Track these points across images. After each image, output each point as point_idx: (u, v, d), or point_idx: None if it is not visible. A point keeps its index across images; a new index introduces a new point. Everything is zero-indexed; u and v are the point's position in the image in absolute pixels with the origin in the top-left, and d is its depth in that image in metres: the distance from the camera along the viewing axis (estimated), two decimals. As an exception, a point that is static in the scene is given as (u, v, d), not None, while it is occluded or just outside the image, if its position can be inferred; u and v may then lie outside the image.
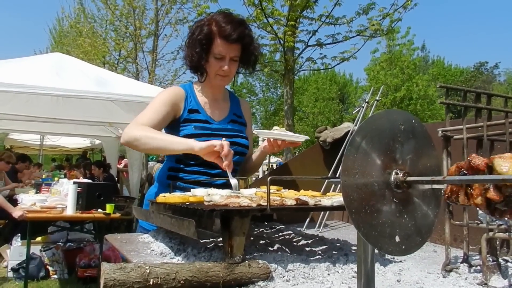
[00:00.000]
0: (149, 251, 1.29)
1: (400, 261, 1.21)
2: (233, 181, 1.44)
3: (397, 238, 0.75)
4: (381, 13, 7.78)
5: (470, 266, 1.16)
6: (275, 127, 1.66)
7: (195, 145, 1.49)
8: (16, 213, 4.27)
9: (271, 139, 1.70)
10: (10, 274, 4.82)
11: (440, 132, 1.17)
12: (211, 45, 1.68)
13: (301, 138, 1.64)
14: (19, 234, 5.08)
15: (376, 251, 1.08)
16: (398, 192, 0.78)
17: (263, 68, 8.41)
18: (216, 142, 1.43)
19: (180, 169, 1.75)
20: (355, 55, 8.11)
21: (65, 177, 7.04)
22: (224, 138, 1.49)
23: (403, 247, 0.76)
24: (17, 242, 5.07)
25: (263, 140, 1.81)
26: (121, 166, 10.03)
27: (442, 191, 0.82)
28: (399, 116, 0.80)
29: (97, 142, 11.56)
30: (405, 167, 0.78)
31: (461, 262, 1.18)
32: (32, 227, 4.23)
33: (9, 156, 6.66)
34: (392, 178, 0.76)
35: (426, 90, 22.55)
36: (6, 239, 5.73)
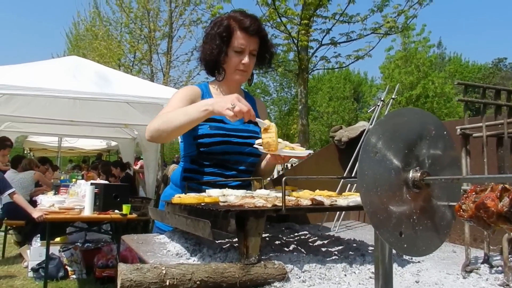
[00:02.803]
0: (165, 251, 1.29)
1: (419, 262, 1.19)
2: (267, 122, 1.42)
3: (402, 234, 0.74)
4: (396, 10, 7.68)
5: (491, 266, 1.13)
6: (279, 141, 1.51)
7: (209, 107, 1.45)
8: (36, 214, 4.35)
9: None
10: (31, 274, 4.92)
11: (458, 130, 1.14)
12: (231, 39, 1.68)
13: (303, 153, 1.51)
14: (39, 235, 5.18)
15: (394, 251, 1.07)
16: (414, 191, 0.77)
17: (277, 68, 8.39)
18: (229, 106, 1.39)
19: (195, 170, 1.74)
20: (369, 53, 8.03)
21: (82, 178, 7.15)
22: (235, 95, 1.44)
23: (405, 245, 0.75)
24: (36, 242, 5.17)
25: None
26: (137, 167, 10.14)
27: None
28: (432, 121, 0.80)
29: (113, 143, 11.72)
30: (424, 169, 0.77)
31: (482, 263, 1.15)
32: (51, 228, 4.31)
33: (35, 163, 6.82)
34: (411, 175, 0.75)
35: (442, 87, 22.18)
36: (26, 239, 5.85)
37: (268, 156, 1.71)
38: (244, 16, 1.69)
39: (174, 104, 1.69)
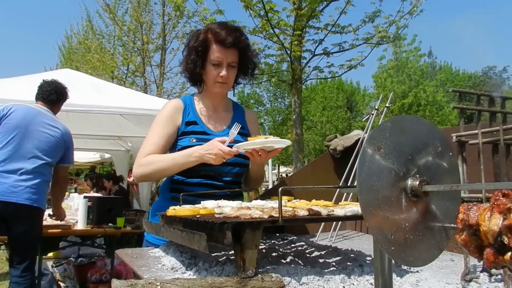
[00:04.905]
0: (160, 266, 1.27)
1: (417, 272, 1.17)
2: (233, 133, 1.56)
3: (391, 235, 0.73)
4: (387, 20, 7.76)
5: (491, 275, 1.12)
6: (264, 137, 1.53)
7: (199, 157, 1.58)
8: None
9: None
10: (23, 290, 4.82)
11: (454, 137, 1.14)
12: (208, 52, 1.69)
13: (280, 143, 1.51)
14: (31, 250, 5.08)
15: (393, 261, 1.05)
16: (412, 199, 0.76)
17: (270, 78, 8.41)
18: (211, 157, 1.53)
19: (182, 182, 1.73)
20: (362, 63, 8.08)
21: (75, 191, 7.07)
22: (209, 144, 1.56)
23: (393, 248, 0.73)
24: (29, 258, 5.07)
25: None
26: (131, 179, 10.04)
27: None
28: (439, 137, 0.80)
29: (107, 156, 11.63)
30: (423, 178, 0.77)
31: (481, 271, 1.14)
32: (43, 243, 4.23)
33: None
34: (410, 181, 0.74)
35: (434, 96, 22.39)
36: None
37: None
38: (221, 28, 1.69)
39: (156, 131, 1.72)
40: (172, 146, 1.74)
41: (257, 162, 1.65)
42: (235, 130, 1.58)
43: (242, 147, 1.53)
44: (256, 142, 1.49)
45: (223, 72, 1.69)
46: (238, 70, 1.77)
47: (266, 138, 1.49)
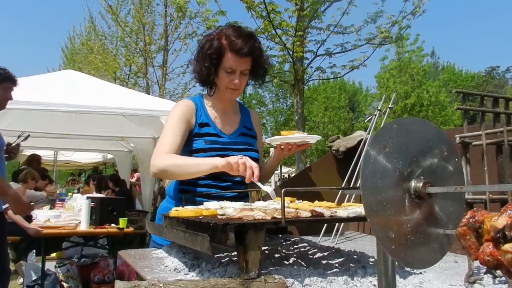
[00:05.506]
0: (162, 267, 1.27)
1: (420, 273, 1.17)
2: (268, 189, 1.48)
3: (391, 234, 0.72)
4: (389, 21, 7.74)
5: (495, 277, 1.11)
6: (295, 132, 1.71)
7: (218, 163, 1.50)
8: (31, 230, 4.28)
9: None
10: (26, 291, 4.83)
11: (458, 138, 1.14)
12: (222, 59, 1.68)
13: (313, 138, 1.68)
14: (34, 251, 5.10)
15: (396, 263, 1.05)
16: (414, 200, 0.75)
17: (273, 79, 8.41)
18: (233, 160, 1.45)
19: (190, 183, 1.73)
20: (364, 63, 8.06)
21: (78, 192, 7.09)
22: (240, 156, 1.49)
23: (393, 247, 0.73)
24: (32, 258, 5.08)
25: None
26: (133, 179, 10.06)
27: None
28: (446, 140, 0.80)
29: (110, 156, 11.66)
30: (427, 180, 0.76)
31: (485, 273, 1.14)
32: (46, 243, 4.25)
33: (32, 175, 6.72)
34: (413, 182, 0.75)
35: (437, 96, 22.32)
36: (21, 255, 5.76)
37: (275, 150, 1.80)
38: (236, 36, 1.66)
39: (172, 128, 1.70)
40: (186, 145, 1.73)
41: (283, 155, 1.78)
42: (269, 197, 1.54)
43: (279, 140, 1.67)
44: (295, 137, 1.65)
45: (236, 81, 1.69)
46: (250, 75, 1.77)
47: (302, 133, 1.67)
